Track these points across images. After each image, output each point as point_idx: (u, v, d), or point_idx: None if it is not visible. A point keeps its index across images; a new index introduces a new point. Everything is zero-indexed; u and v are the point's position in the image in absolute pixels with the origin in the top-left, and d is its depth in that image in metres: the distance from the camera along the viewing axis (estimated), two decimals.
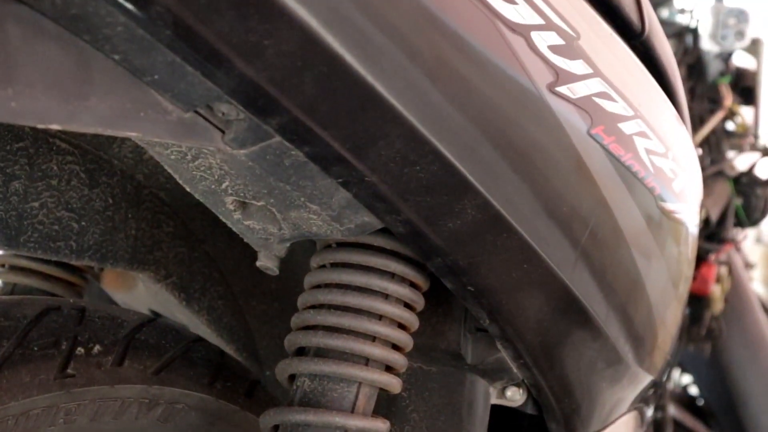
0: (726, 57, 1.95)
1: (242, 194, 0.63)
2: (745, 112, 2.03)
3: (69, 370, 0.63)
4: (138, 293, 0.97)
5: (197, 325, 0.94)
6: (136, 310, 0.80)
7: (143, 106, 0.52)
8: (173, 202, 0.88)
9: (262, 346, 1.00)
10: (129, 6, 0.46)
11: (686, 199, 0.93)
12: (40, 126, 0.48)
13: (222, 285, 0.95)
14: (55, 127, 0.49)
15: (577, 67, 0.67)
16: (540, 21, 0.62)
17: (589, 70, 0.68)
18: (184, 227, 0.90)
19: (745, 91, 2.04)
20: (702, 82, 1.94)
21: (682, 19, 1.95)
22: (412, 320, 0.70)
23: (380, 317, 0.68)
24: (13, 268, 0.87)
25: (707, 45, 1.90)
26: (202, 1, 0.46)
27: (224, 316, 0.95)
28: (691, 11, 1.94)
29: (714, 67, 1.96)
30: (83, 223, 0.81)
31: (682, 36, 1.92)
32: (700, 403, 2.24)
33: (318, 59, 0.51)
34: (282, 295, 0.99)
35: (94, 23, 0.48)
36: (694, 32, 1.92)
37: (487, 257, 0.67)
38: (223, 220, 0.68)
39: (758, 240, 3.65)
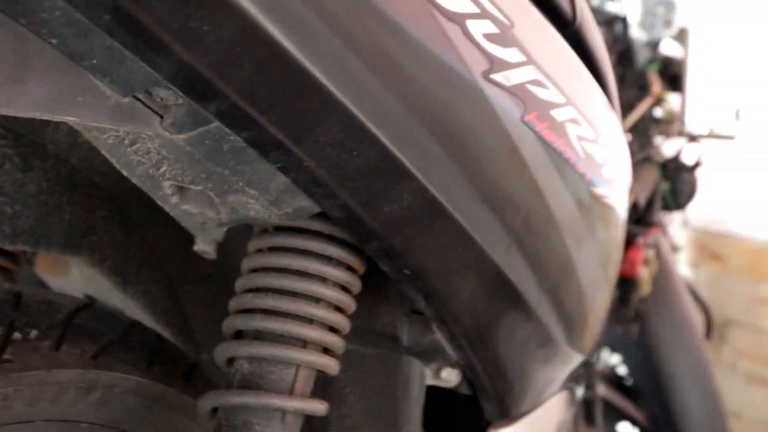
0: (654, 45, 1.99)
1: (180, 179, 0.63)
2: (672, 99, 2.08)
3: (6, 356, 0.63)
4: (72, 278, 0.96)
5: (132, 310, 0.94)
6: (72, 295, 0.79)
7: (81, 91, 0.52)
8: (108, 186, 0.88)
9: (197, 330, 1.00)
10: None
11: (616, 184, 0.95)
12: None
13: (157, 269, 0.95)
14: None
15: (511, 54, 0.68)
16: (475, 9, 0.64)
17: (523, 58, 0.70)
18: (119, 212, 0.90)
19: (673, 78, 2.09)
20: (631, 69, 1.98)
21: (612, 8, 1.99)
22: (349, 303, 0.71)
23: (318, 300, 0.69)
24: None
25: (636, 33, 1.95)
26: None
27: (160, 300, 0.95)
28: (620, 0, 1.98)
29: (642, 55, 2.01)
30: (17, 208, 0.80)
31: (612, 24, 1.96)
32: (629, 382, 2.29)
33: (256, 45, 0.51)
34: (217, 279, 0.99)
35: (31, 7, 0.47)
36: (624, 21, 1.96)
37: (423, 241, 0.68)
38: (161, 204, 0.68)
39: (685, 224, 3.74)
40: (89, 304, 0.72)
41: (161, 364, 0.75)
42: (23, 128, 0.80)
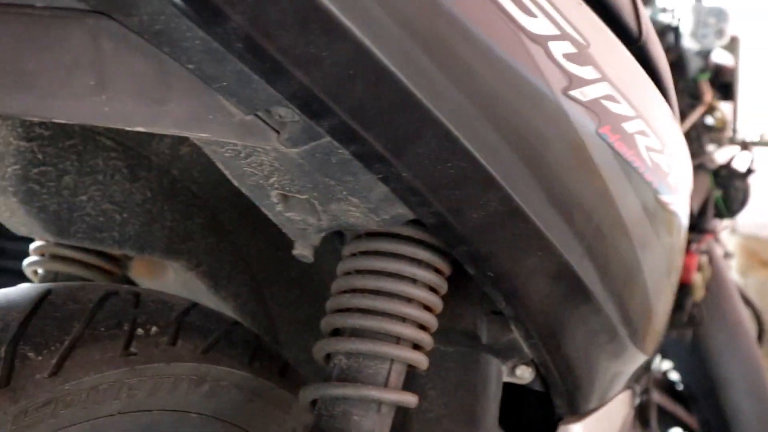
0: (705, 54, 2.02)
1: (288, 188, 0.69)
2: (724, 108, 2.10)
3: (132, 349, 0.69)
4: (166, 281, 1.03)
5: (222, 311, 1.00)
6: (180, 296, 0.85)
7: (212, 110, 0.58)
8: (204, 195, 0.94)
9: (282, 331, 1.06)
10: (208, 23, 0.52)
11: (679, 191, 1.00)
12: (128, 128, 0.55)
13: (247, 273, 1.01)
14: (139, 129, 0.55)
15: (587, 72, 0.74)
16: (556, 31, 0.69)
17: (598, 75, 0.75)
18: (213, 219, 0.96)
19: (724, 87, 2.12)
20: (683, 78, 2.01)
21: (664, 18, 2.03)
22: (437, 303, 0.77)
23: (409, 300, 0.75)
24: (54, 257, 0.93)
25: (688, 43, 1.98)
26: (271, 17, 0.52)
27: (248, 302, 1.01)
28: (672, 10, 2.02)
29: (694, 64, 2.04)
30: (125, 215, 0.87)
31: (664, 34, 2.00)
32: (680, 388, 2.32)
33: (367, 69, 0.57)
34: (301, 282, 1.05)
35: (174, 37, 0.54)
36: (676, 31, 1.99)
37: (507, 245, 0.74)
38: (265, 211, 0.74)
39: (733, 231, 3.75)
40: (196, 304, 0.79)
41: (261, 360, 0.81)
42: (131, 142, 0.87)
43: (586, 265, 0.81)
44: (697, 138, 2.00)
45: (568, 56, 0.71)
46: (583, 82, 0.73)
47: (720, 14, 1.93)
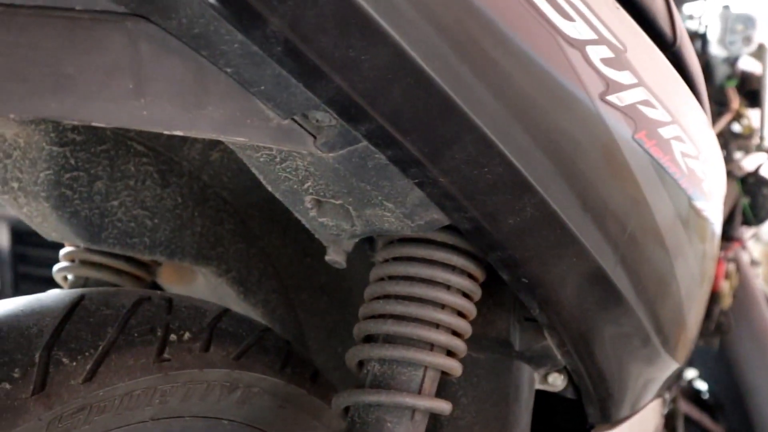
0: (733, 61, 2.01)
1: (322, 193, 0.69)
2: (751, 115, 2.09)
3: (165, 355, 0.69)
4: (195, 287, 1.03)
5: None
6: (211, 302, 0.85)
7: (249, 114, 0.58)
8: (234, 201, 0.94)
9: (310, 337, 1.06)
10: (247, 26, 0.51)
11: (713, 198, 0.99)
12: (166, 132, 0.54)
13: (276, 279, 1.01)
14: (178, 133, 0.55)
15: (624, 77, 0.73)
16: (594, 36, 0.69)
17: (635, 80, 0.74)
18: (243, 225, 0.96)
19: (751, 94, 2.10)
20: (710, 85, 2.00)
21: (691, 25, 2.01)
22: (471, 309, 0.76)
23: (443, 306, 0.74)
24: (84, 263, 0.93)
25: (715, 50, 1.97)
26: (310, 21, 0.52)
27: (277, 308, 1.01)
28: (699, 17, 2.00)
29: (721, 71, 2.02)
30: (156, 221, 0.87)
31: (692, 41, 1.98)
32: (706, 396, 2.30)
33: (405, 73, 0.57)
34: (330, 288, 1.05)
35: (213, 40, 0.53)
36: (703, 37, 1.98)
37: (542, 251, 0.73)
38: (298, 216, 0.74)
39: (757, 238, 3.71)
40: (228, 309, 0.78)
41: (292, 366, 0.80)
42: (162, 147, 0.87)
43: (620, 272, 0.80)
44: (724, 145, 1.99)
45: (605, 61, 0.70)
46: (620, 87, 0.73)
47: (748, 21, 1.92)
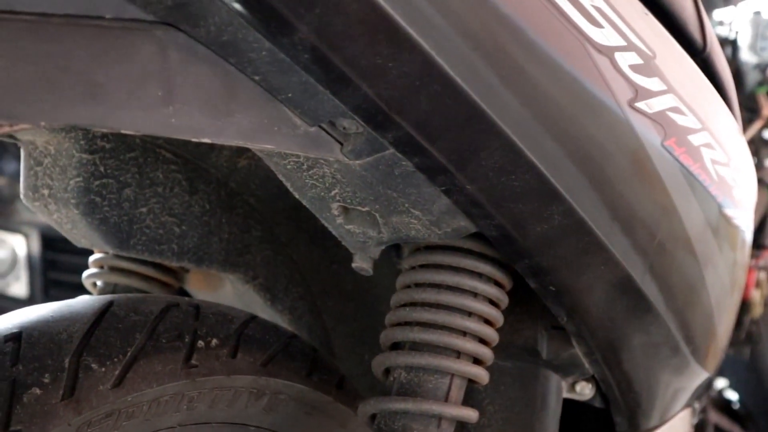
0: (764, 67, 1.99)
1: (349, 201, 0.69)
2: None
3: (193, 361, 0.69)
4: (222, 293, 1.03)
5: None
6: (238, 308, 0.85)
7: (277, 122, 0.58)
8: (261, 208, 0.94)
9: (336, 344, 1.06)
10: (275, 34, 0.52)
11: (744, 205, 0.98)
12: (194, 140, 0.55)
13: (302, 286, 1.01)
14: (206, 140, 0.55)
15: (653, 84, 0.72)
16: (622, 42, 0.68)
17: (664, 87, 0.74)
18: (270, 232, 0.96)
19: None
20: (740, 92, 1.98)
21: (721, 31, 1.99)
22: (498, 317, 0.76)
23: (470, 314, 0.74)
24: (113, 269, 0.93)
25: (746, 56, 1.95)
26: (338, 28, 0.52)
27: (304, 315, 1.01)
28: (730, 23, 1.99)
29: (752, 78, 2.00)
30: (184, 228, 0.87)
31: (722, 47, 1.97)
32: (736, 407, 2.27)
33: (433, 81, 0.57)
34: (356, 295, 1.05)
35: (241, 48, 0.54)
36: (733, 44, 1.96)
37: (570, 259, 0.72)
38: (325, 224, 0.74)
39: None
40: (255, 316, 0.79)
41: (319, 373, 0.80)
42: (190, 154, 0.87)
43: (649, 280, 0.80)
44: (755, 152, 1.97)
45: (634, 67, 0.70)
46: (650, 94, 0.72)
47: None
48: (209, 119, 0.55)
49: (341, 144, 0.62)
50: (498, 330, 0.79)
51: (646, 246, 0.77)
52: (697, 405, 1.23)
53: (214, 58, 0.54)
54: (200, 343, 0.71)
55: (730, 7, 1.99)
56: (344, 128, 0.61)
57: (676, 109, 0.76)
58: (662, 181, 0.76)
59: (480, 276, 0.74)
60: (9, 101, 0.48)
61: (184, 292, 1.06)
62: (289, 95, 0.57)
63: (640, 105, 0.71)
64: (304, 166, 0.67)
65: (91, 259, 0.96)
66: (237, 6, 0.50)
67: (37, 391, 0.62)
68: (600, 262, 0.74)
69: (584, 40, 0.65)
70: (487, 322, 0.76)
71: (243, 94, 0.56)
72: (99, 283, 0.95)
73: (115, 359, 0.66)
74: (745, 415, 2.23)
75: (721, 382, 2.33)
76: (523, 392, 0.87)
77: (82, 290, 0.97)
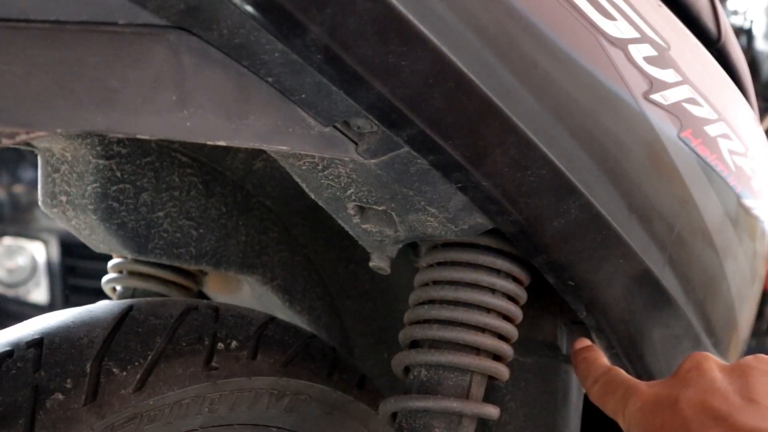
0: None
1: (365, 200, 0.69)
2: None
3: (213, 364, 0.70)
4: (241, 296, 1.04)
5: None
6: (257, 310, 0.86)
7: (291, 123, 0.58)
8: (278, 209, 0.95)
9: (356, 344, 1.06)
10: (287, 35, 0.52)
11: (763, 196, 0.97)
12: (209, 143, 0.55)
13: (320, 286, 1.01)
14: (221, 143, 0.55)
15: (668, 75, 0.72)
16: (636, 34, 0.68)
17: (679, 78, 0.73)
18: (287, 233, 0.96)
19: None
20: (757, 81, 1.97)
21: (736, 21, 1.99)
22: (517, 313, 0.76)
23: (489, 310, 0.74)
24: (132, 274, 0.94)
25: (761, 45, 1.94)
26: (350, 28, 0.52)
27: (323, 315, 1.01)
28: (744, 12, 1.98)
29: (767, 67, 2.00)
30: (201, 231, 0.87)
31: (737, 37, 1.96)
32: None
33: (446, 78, 0.56)
34: (374, 294, 1.05)
35: (254, 50, 0.54)
36: (748, 33, 1.95)
37: (588, 254, 0.72)
38: (342, 224, 0.74)
39: None
40: (274, 317, 0.79)
41: (339, 373, 0.80)
42: (206, 158, 0.87)
43: (668, 272, 0.79)
44: None
45: (648, 59, 0.70)
46: (664, 86, 0.72)
47: None
48: (224, 122, 0.55)
49: (356, 143, 0.62)
50: (517, 326, 0.79)
51: (665, 238, 0.76)
52: None
53: (227, 61, 0.54)
54: (220, 346, 0.71)
55: None
56: (358, 128, 0.61)
57: (691, 100, 0.75)
58: (679, 172, 0.75)
59: (498, 272, 0.74)
60: (25, 109, 0.48)
61: (202, 296, 1.06)
62: (303, 96, 0.57)
63: (655, 97, 0.71)
64: (319, 167, 0.67)
65: (110, 264, 0.96)
66: (249, 8, 0.50)
67: (60, 396, 0.62)
68: (618, 256, 0.74)
69: (597, 33, 0.64)
70: (506, 318, 0.75)
71: (257, 96, 0.56)
72: (118, 287, 0.95)
73: (136, 363, 0.66)
74: None
75: None
76: (544, 388, 0.87)
77: (102, 295, 0.98)
